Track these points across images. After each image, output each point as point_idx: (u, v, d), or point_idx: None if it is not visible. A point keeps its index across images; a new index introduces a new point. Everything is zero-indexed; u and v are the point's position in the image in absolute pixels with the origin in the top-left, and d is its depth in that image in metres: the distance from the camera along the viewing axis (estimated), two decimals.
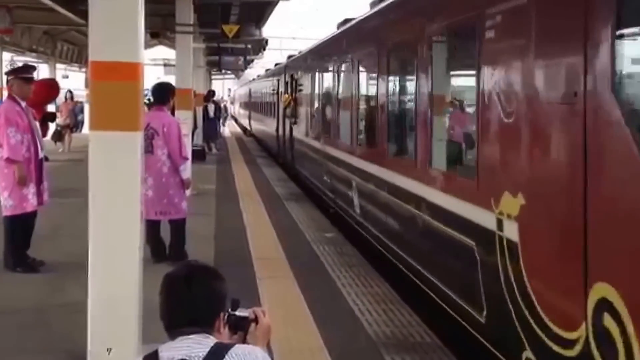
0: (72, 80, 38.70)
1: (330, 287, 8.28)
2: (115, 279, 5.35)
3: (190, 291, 2.86)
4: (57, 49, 30.12)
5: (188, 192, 10.10)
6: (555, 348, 4.63)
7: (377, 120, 9.94)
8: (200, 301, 2.86)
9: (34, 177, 8.42)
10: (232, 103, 70.10)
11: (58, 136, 23.29)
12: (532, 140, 5.07)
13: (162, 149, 8.89)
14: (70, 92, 25.39)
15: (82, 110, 30.79)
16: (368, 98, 11.15)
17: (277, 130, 23.76)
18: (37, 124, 8.85)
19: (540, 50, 4.94)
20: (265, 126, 29.15)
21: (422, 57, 7.75)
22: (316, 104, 16.10)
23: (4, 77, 9.10)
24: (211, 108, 27.86)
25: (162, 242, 9.13)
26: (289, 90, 20.57)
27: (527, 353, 5.04)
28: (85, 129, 8.02)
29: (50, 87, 10.26)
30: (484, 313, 5.84)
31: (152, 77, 31.35)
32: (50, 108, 15.72)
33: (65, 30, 27.15)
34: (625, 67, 4.25)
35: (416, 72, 8.04)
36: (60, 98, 21.97)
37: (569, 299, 4.50)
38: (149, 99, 9.49)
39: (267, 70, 36.16)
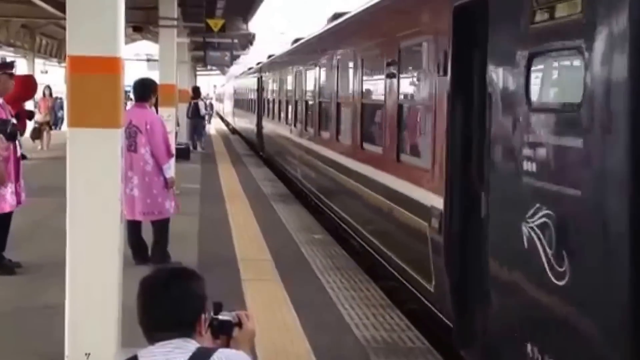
0: (52, 76, 38.37)
1: (318, 290, 8.16)
2: (95, 282, 5.34)
3: (169, 294, 2.82)
4: (36, 43, 29.78)
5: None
6: None
7: None
8: (180, 304, 2.82)
9: (12, 176, 8.24)
10: (219, 100, 67.83)
11: (37, 134, 23.02)
12: None
13: (145, 146, 8.73)
14: (49, 87, 25.03)
15: (62, 107, 30.48)
16: None
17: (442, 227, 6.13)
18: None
19: None
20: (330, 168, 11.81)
21: None
22: None
23: None
24: (202, 105, 27.71)
25: (144, 243, 8.97)
26: None
27: None
28: (65, 126, 7.91)
29: (26, 84, 10.06)
30: None
31: (135, 72, 31.04)
32: (29, 105, 15.51)
33: (45, 24, 26.84)
34: None
35: None
36: (39, 94, 21.69)
37: None
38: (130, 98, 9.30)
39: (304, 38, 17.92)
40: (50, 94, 25.04)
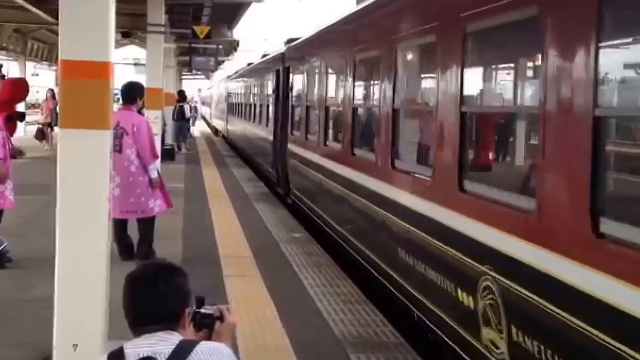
0: (42, 78, 38.41)
1: (297, 286, 8.33)
2: (82, 276, 5.37)
3: (154, 288, 2.90)
4: (27, 47, 29.99)
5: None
6: None
7: None
8: (164, 298, 2.89)
9: (9, 174, 8.44)
10: (205, 104, 66.73)
11: (41, 134, 23.33)
12: None
13: (130, 148, 8.86)
14: (52, 90, 25.27)
15: None
16: None
17: None
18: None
19: None
20: None
21: None
22: None
23: None
24: (187, 108, 27.89)
25: (130, 240, 9.12)
26: None
27: None
28: None
29: (18, 86, 10.21)
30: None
31: (123, 76, 31.14)
32: (20, 107, 15.68)
33: (36, 29, 27.10)
34: None
35: None
36: (42, 96, 22.00)
37: None
38: (118, 99, 9.48)
39: None
40: (53, 97, 25.18)
